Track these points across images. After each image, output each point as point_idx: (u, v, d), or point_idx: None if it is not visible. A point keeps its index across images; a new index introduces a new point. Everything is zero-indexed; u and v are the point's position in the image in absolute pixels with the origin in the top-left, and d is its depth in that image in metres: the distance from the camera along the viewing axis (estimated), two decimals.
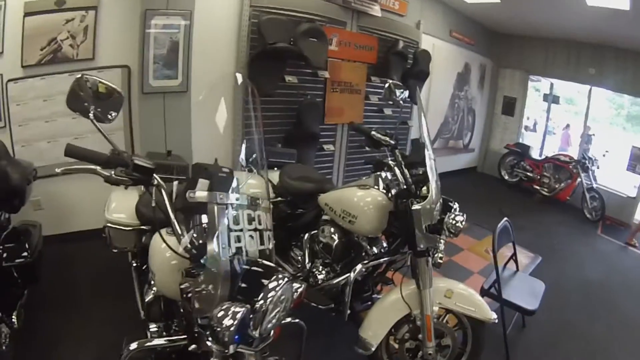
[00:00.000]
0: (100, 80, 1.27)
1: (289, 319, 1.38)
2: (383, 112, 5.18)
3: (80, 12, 3.36)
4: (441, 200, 1.91)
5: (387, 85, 2.17)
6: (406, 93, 2.18)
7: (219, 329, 1.00)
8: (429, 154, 1.90)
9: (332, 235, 2.29)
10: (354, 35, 4.65)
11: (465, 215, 1.85)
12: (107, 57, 3.48)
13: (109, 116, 1.34)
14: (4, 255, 2.10)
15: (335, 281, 2.22)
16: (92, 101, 1.25)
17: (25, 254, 2.18)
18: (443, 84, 6.26)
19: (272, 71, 3.94)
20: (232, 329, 1.00)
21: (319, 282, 2.30)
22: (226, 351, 1.05)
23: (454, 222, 1.83)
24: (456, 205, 1.92)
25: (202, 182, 1.23)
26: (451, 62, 6.32)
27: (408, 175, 1.99)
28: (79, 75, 1.24)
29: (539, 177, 6.21)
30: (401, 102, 2.16)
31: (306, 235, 2.46)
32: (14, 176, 2.23)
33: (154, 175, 1.28)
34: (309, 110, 4.28)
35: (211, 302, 1.08)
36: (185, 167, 2.38)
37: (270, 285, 1.11)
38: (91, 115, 1.26)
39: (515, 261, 2.75)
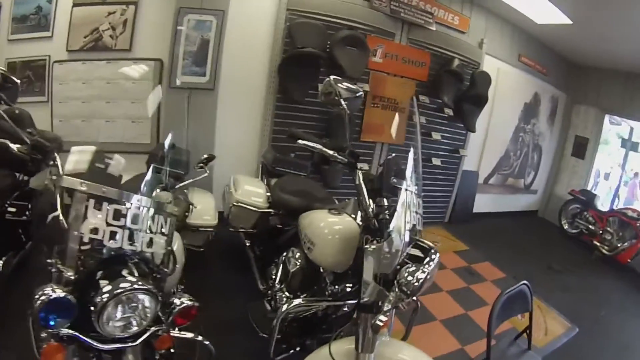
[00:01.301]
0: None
1: (199, 338, 1.40)
2: (431, 136, 4.72)
3: (121, 6, 3.58)
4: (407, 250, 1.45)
5: (326, 80, 1.71)
6: (360, 95, 1.73)
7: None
8: (407, 184, 1.46)
9: (296, 261, 2.02)
10: (402, 48, 4.28)
11: (427, 275, 1.35)
12: (142, 49, 3.62)
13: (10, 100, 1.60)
14: (10, 210, 2.29)
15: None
16: None
17: (28, 212, 2.37)
18: (507, 113, 5.58)
19: (303, 77, 3.71)
20: (35, 305, 1.05)
21: (276, 307, 2.01)
22: (43, 328, 1.10)
23: (409, 278, 1.33)
24: (435, 257, 1.42)
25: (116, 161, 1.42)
26: (518, 90, 5.63)
27: (369, 204, 1.55)
28: None
29: (600, 231, 5.24)
30: (346, 106, 1.70)
31: (284, 254, 2.18)
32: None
33: (55, 155, 1.34)
34: (340, 123, 3.95)
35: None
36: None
37: (113, 284, 1.12)
38: None
39: (529, 336, 2.14)
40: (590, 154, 6.16)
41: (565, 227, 5.89)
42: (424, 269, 1.34)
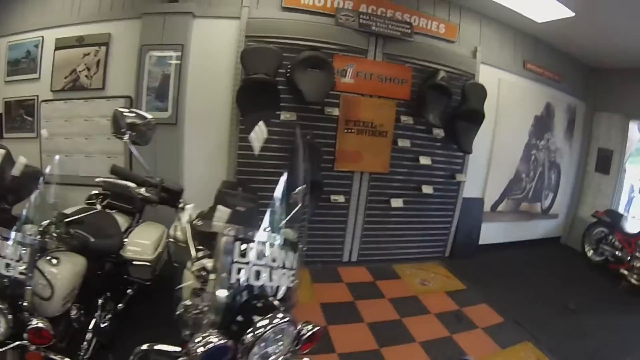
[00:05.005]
0: None
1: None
2: (418, 161, 4.32)
3: (94, 48, 3.83)
4: None
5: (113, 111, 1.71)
6: (151, 126, 1.71)
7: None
8: (228, 229, 1.18)
9: None
10: (377, 66, 4.03)
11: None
12: (114, 87, 3.82)
13: None
14: None
15: None
16: None
17: None
18: (514, 129, 5.04)
19: (263, 106, 3.56)
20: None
21: None
22: None
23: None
24: (263, 329, 1.10)
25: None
26: (526, 102, 5.09)
27: (195, 256, 1.37)
28: None
29: (629, 257, 4.46)
30: (128, 140, 1.66)
31: None
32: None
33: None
34: (313, 151, 3.76)
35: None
36: None
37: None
38: None
39: None
40: (616, 168, 5.41)
41: (589, 254, 5.16)
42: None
